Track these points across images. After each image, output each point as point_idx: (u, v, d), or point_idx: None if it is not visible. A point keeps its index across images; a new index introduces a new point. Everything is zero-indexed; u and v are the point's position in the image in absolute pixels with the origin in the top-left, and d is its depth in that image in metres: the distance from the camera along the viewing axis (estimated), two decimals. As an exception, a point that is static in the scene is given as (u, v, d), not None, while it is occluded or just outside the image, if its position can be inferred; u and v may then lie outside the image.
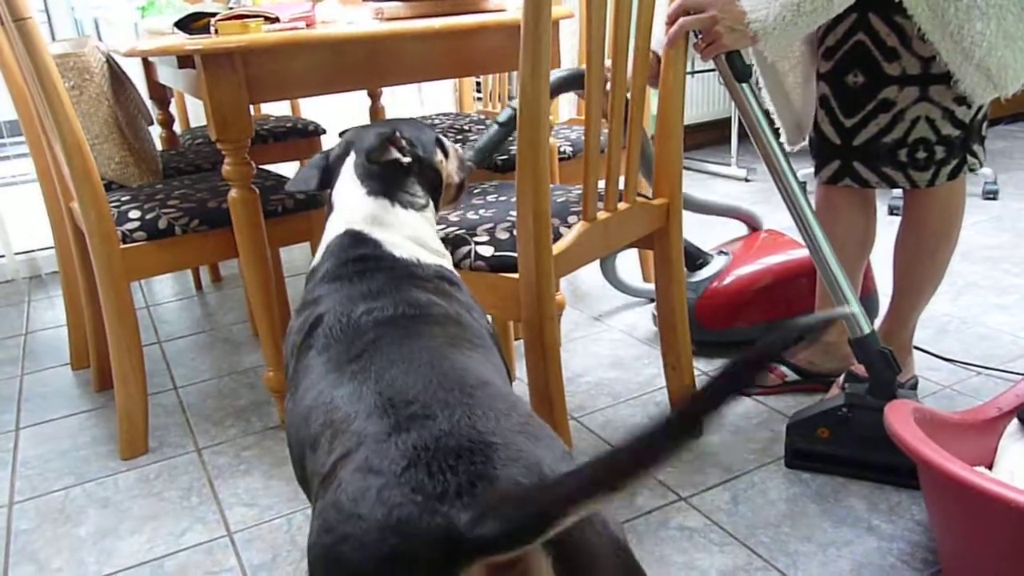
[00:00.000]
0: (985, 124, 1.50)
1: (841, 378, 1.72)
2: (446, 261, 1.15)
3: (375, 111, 2.83)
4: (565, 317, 2.30)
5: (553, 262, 1.29)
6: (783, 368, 1.84)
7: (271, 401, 1.92)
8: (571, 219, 1.41)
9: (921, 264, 1.58)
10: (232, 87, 1.49)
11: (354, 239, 1.10)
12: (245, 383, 2.05)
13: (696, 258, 2.06)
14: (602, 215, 1.43)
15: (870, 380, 1.45)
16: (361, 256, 1.07)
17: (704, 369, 1.91)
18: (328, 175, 1.23)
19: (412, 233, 1.13)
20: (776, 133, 1.49)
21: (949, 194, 1.52)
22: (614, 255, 2.28)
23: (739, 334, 1.97)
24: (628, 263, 2.50)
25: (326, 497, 0.75)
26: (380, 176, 1.16)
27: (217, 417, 1.89)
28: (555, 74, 1.40)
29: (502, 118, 1.54)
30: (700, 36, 1.39)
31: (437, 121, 2.56)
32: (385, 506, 0.68)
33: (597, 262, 2.30)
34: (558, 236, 1.37)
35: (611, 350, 2.09)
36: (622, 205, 1.48)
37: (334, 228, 1.13)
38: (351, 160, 1.18)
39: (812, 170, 1.59)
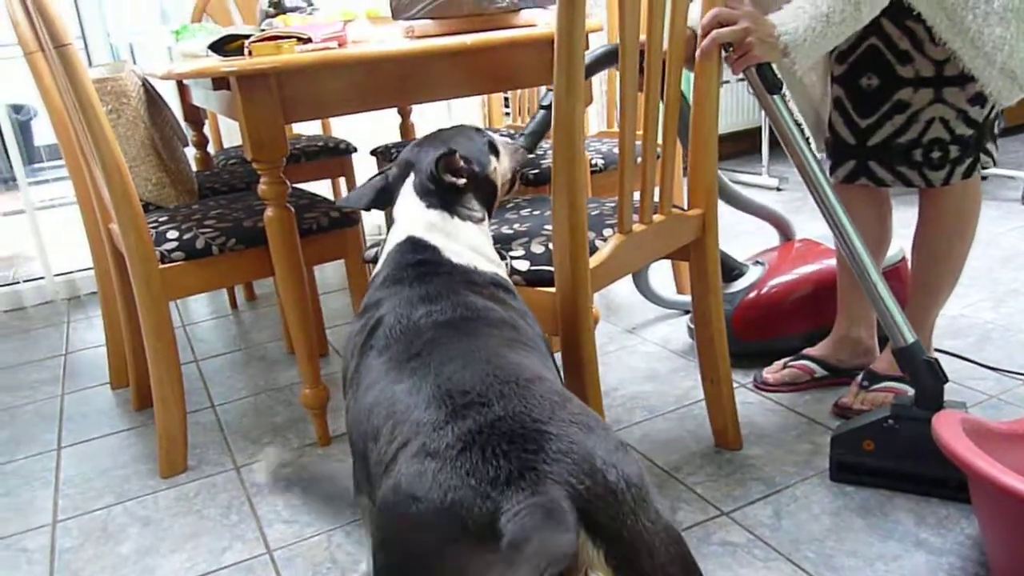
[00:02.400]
0: (997, 123, 1.51)
1: (860, 377, 1.70)
2: (501, 269, 1.19)
3: (405, 128, 2.85)
4: (599, 330, 2.28)
5: (590, 275, 1.29)
6: (811, 364, 1.82)
7: (307, 418, 1.93)
8: (606, 232, 1.41)
9: (938, 263, 1.60)
10: (267, 107, 1.50)
11: (414, 245, 1.14)
12: (281, 400, 2.06)
13: (731, 269, 2.05)
14: (638, 227, 1.42)
15: (916, 391, 1.42)
16: (420, 261, 1.11)
17: (742, 381, 1.89)
18: (384, 195, 1.28)
19: (469, 242, 1.17)
20: (808, 142, 1.48)
21: (963, 192, 1.53)
22: (647, 267, 2.27)
23: (776, 345, 1.95)
24: (661, 275, 2.49)
25: (386, 482, 0.77)
26: (438, 193, 1.20)
27: (255, 435, 1.90)
28: (588, 55, 1.40)
29: (547, 101, 1.55)
30: (732, 49, 1.39)
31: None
32: (441, 488, 0.70)
33: (629, 275, 2.28)
34: (594, 249, 1.36)
35: (646, 363, 2.07)
36: (657, 217, 1.47)
37: (395, 237, 1.18)
38: (411, 179, 1.23)
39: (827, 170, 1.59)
